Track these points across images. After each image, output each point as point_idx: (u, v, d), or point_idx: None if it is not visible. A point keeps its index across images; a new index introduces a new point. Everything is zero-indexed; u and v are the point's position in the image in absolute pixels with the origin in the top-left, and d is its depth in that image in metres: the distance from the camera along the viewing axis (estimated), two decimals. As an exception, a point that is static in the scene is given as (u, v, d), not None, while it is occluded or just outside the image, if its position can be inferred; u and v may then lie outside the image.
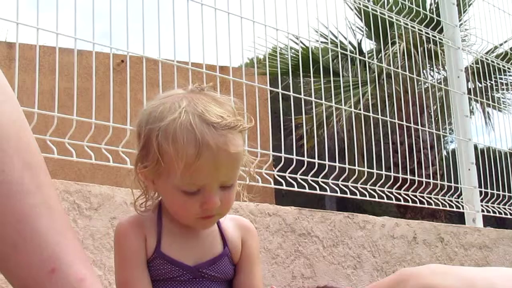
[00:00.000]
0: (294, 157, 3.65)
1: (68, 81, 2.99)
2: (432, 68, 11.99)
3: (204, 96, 1.66)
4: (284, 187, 3.56)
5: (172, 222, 1.72)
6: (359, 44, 11.88)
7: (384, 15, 4.86)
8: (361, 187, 3.95)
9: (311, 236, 3.29)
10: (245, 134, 1.69)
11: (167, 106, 1.63)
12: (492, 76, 6.05)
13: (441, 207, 4.61)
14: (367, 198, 3.97)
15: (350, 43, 11.28)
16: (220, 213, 1.71)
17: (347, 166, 3.97)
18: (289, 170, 3.56)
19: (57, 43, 2.88)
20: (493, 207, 4.98)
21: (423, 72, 10.56)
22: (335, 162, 3.94)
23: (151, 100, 1.74)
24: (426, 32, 5.09)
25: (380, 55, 10.88)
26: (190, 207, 1.63)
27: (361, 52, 11.03)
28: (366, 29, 11.55)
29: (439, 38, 5.22)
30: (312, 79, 4.12)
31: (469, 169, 4.85)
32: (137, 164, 1.68)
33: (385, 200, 4.13)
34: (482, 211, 4.83)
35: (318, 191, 3.70)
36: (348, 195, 3.87)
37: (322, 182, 3.74)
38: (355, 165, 4.11)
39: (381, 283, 2.22)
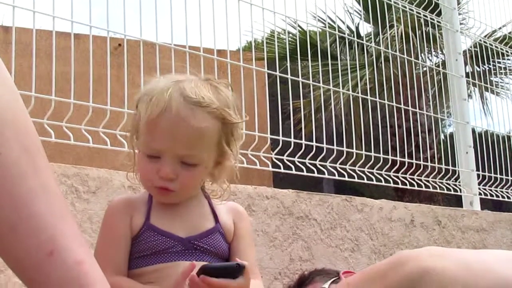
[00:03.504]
0: (292, 140, 3.65)
1: (65, 65, 2.97)
2: (430, 52, 11.98)
3: (205, 83, 1.74)
4: (282, 170, 3.56)
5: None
6: (357, 27, 11.86)
7: (382, -3, 4.84)
8: (359, 170, 3.96)
9: (309, 219, 3.30)
10: (232, 127, 1.75)
11: (164, 79, 1.75)
12: (491, 59, 6.05)
13: (438, 190, 4.62)
14: (365, 181, 3.98)
15: (348, 27, 11.26)
16: (178, 191, 1.74)
17: (345, 149, 3.97)
18: (287, 153, 3.56)
19: (53, 27, 2.87)
20: (491, 190, 4.99)
21: (421, 56, 10.55)
22: (333, 145, 3.94)
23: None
24: (424, 15, 5.08)
25: (378, 38, 10.87)
26: (149, 172, 1.71)
27: (358, 36, 11.01)
28: (364, 12, 11.54)
29: (437, 21, 5.20)
30: (310, 63, 4.11)
31: (466, 152, 4.86)
32: (129, 133, 1.80)
33: (383, 183, 4.14)
34: (480, 194, 4.84)
35: (316, 174, 3.70)
36: (346, 178, 3.88)
37: (320, 165, 3.75)
38: (353, 148, 4.11)
39: (379, 266, 2.24)
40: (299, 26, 7.65)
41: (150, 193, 1.77)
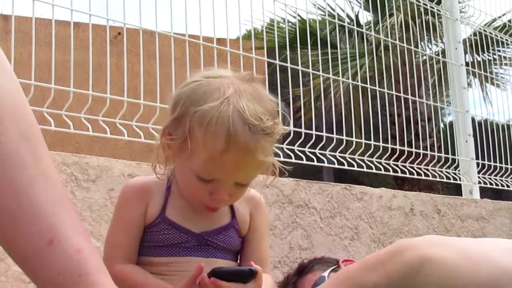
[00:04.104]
0: (292, 128, 3.65)
1: (65, 53, 2.97)
2: (430, 40, 11.96)
3: (251, 88, 1.64)
4: (282, 159, 3.56)
5: (181, 192, 1.74)
6: (357, 16, 11.85)
7: (382, -14, 4.83)
8: (359, 159, 3.96)
9: (308, 208, 3.30)
10: (279, 137, 1.68)
11: (211, 89, 1.60)
12: (490, 48, 6.04)
13: (438, 179, 4.62)
14: (365, 169, 3.98)
15: (347, 15, 11.25)
16: (225, 205, 1.73)
17: (344, 137, 3.97)
18: (286, 142, 3.56)
19: (53, 15, 2.87)
20: (490, 178, 4.99)
21: (421, 44, 10.53)
22: (332, 133, 3.94)
23: (197, 73, 1.72)
24: (424, 4, 5.07)
25: (378, 27, 10.86)
26: (200, 192, 1.65)
27: (358, 24, 11.00)
28: (364, 0, 11.52)
29: (437, 10, 5.19)
30: (309, 51, 4.11)
31: (466, 141, 4.86)
32: (164, 130, 1.67)
33: (383, 172, 4.13)
34: (479, 182, 4.84)
35: (315, 163, 3.70)
36: (346, 167, 3.88)
37: (320, 153, 3.75)
38: (352, 137, 4.11)
39: (379, 254, 2.23)
40: (298, 15, 7.64)
41: (191, 204, 1.72)
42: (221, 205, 1.72)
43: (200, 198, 1.67)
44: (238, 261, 1.82)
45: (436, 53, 9.86)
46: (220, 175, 1.60)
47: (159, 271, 1.69)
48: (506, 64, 8.82)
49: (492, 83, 8.66)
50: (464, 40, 5.53)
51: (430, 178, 4.56)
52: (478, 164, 4.89)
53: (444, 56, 5.34)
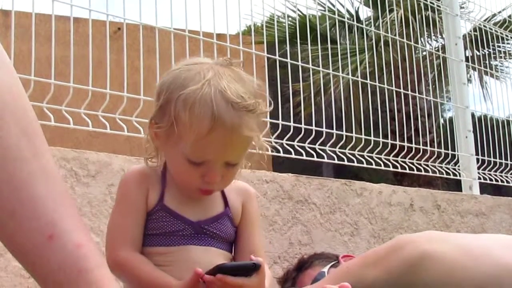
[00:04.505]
0: (292, 124, 3.65)
1: (64, 49, 2.97)
2: (430, 36, 11.95)
3: (230, 71, 1.68)
4: (281, 154, 3.56)
5: (175, 181, 1.76)
6: (357, 11, 11.83)
7: (382, -19, 4.83)
8: (359, 154, 3.96)
9: (308, 203, 3.30)
10: (263, 117, 1.73)
11: (191, 74, 1.65)
12: (490, 44, 6.04)
13: (438, 175, 4.62)
14: (365, 165, 3.98)
15: (347, 11, 11.24)
16: (219, 188, 1.74)
17: (344, 133, 3.96)
18: (286, 137, 3.56)
19: (53, 10, 2.86)
20: (490, 174, 4.99)
21: (421, 40, 10.52)
22: (332, 129, 3.94)
23: (177, 64, 1.77)
24: (424, -1, 5.06)
25: (378, 22, 10.84)
26: (191, 176, 1.68)
27: (358, 20, 10.98)
28: (364, -4, 11.50)
29: (437, 5, 5.19)
30: (309, 47, 4.11)
31: (466, 137, 4.86)
32: (151, 121, 1.72)
33: (382, 167, 4.13)
34: (479, 178, 4.84)
35: (315, 158, 3.70)
36: (345, 162, 3.88)
37: (320, 149, 3.74)
38: (352, 132, 4.11)
39: (379, 250, 2.24)
40: (298, 10, 7.64)
41: (185, 190, 1.74)
42: (215, 188, 1.73)
43: (193, 182, 1.69)
44: (233, 253, 1.84)
45: (436, 49, 9.87)
46: (209, 156, 1.63)
47: (156, 262, 1.70)
48: (505, 58, 8.82)
49: (492, 76, 8.66)
50: (464, 36, 5.53)
51: (430, 173, 4.56)
52: (478, 159, 4.89)
53: (444, 52, 5.34)
